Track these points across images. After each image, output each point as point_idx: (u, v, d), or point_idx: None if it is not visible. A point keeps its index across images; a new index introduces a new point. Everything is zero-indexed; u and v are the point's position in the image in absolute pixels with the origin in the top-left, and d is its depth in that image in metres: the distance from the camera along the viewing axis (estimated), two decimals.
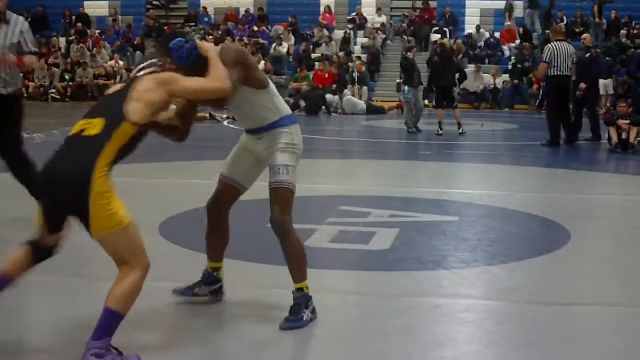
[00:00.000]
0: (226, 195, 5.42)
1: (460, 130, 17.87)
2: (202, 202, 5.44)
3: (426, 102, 20.92)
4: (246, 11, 33.00)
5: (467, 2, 32.58)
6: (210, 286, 5.55)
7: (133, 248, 4.29)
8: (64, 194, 4.17)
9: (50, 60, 30.33)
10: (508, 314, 5.54)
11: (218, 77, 4.61)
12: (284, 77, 27.51)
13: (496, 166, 13.48)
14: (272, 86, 5.22)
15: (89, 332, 4.23)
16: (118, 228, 4.21)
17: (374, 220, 8.30)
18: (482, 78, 27.26)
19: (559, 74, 15.84)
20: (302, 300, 5.14)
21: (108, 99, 4.54)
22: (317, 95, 24.66)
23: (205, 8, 33.50)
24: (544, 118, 16.93)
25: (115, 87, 4.65)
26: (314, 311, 5.16)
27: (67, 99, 28.49)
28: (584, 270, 6.80)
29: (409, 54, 19.67)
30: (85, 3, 34.17)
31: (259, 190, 5.53)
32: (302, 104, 23.79)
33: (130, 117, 4.29)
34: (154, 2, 34.35)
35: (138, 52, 31.05)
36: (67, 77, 29.35)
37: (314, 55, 29.50)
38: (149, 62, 4.67)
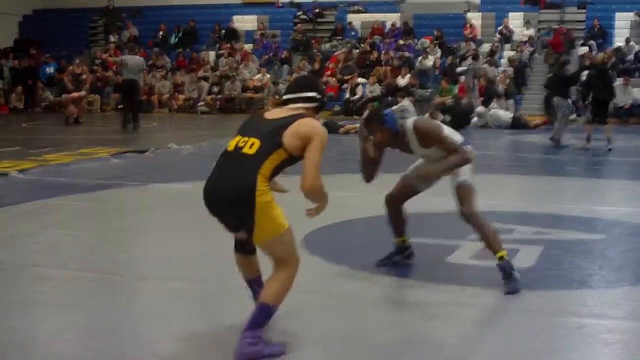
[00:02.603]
0: (405, 190, 6.97)
1: (609, 146, 17.52)
2: (343, 215, 5.53)
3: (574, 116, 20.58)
4: (392, 25, 33.06)
5: (616, 13, 31.91)
6: (404, 253, 7.11)
7: (288, 249, 4.82)
8: (232, 207, 4.70)
9: (200, 73, 31.04)
10: None
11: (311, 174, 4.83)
12: (429, 90, 27.49)
13: None
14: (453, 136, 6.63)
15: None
16: (277, 234, 4.73)
17: (517, 237, 8.23)
18: (630, 92, 26.62)
19: None
20: (507, 265, 6.35)
21: (267, 122, 4.90)
22: (463, 108, 24.53)
23: (351, 22, 33.73)
24: None
25: (277, 113, 5.00)
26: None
27: (215, 112, 29.12)
28: None
29: (567, 66, 19.41)
30: (234, 17, 34.83)
31: None
32: (447, 118, 23.67)
33: (286, 146, 4.75)
34: (302, 16, 34.76)
35: (285, 66, 31.48)
36: (215, 89, 29.98)
37: (459, 69, 29.35)
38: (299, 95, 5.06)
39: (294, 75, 29.09)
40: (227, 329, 5.30)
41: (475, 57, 29.39)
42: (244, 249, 5.15)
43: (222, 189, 4.73)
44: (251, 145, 4.75)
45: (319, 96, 5.08)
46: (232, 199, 4.67)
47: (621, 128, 23.43)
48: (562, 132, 18.50)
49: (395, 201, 6.96)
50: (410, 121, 6.60)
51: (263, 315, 4.75)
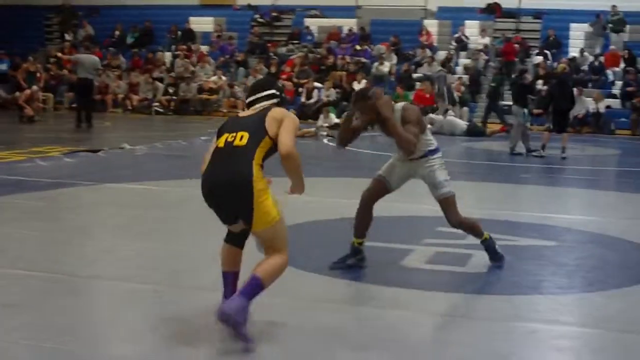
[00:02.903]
0: (378, 190, 7.23)
1: (563, 155, 17.65)
2: (302, 217, 5.53)
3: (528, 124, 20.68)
4: (349, 30, 33.11)
5: (571, 24, 32.20)
6: (357, 256, 7.16)
7: (282, 238, 5.22)
8: (233, 196, 5.05)
9: (155, 74, 30.86)
10: (604, 342, 5.47)
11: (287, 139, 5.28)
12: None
13: (597, 191, 13.31)
14: (427, 127, 7.11)
15: None
16: (274, 221, 5.12)
17: (471, 243, 8.24)
18: (584, 102, 26.87)
19: None
20: (490, 244, 7.32)
21: (245, 119, 5.40)
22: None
23: (308, 26, 33.72)
24: None
25: (245, 113, 5.52)
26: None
27: (170, 113, 28.94)
28: None
29: (526, 75, 19.56)
30: (191, 18, 34.69)
31: None
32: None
33: (270, 134, 5.20)
34: (259, 19, 34.70)
35: (241, 68, 31.39)
36: (170, 91, 29.82)
37: (415, 75, 29.46)
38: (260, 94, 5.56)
39: (250, 78, 29.07)
40: (179, 330, 5.27)
41: (430, 64, 29.57)
42: (235, 240, 5.41)
43: (223, 181, 5.08)
44: (241, 138, 5.18)
45: (278, 92, 5.59)
46: (232, 188, 5.03)
47: (575, 137, 23.65)
48: (518, 140, 18.60)
49: (369, 198, 7.24)
50: (400, 104, 7.14)
51: (253, 286, 5.00)
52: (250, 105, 5.56)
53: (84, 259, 7.47)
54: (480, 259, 7.52)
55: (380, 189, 7.25)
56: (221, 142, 5.27)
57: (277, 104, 5.50)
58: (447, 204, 7.10)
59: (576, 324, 5.90)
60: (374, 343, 5.20)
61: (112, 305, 6.06)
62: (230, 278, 5.44)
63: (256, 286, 5.01)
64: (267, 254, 5.20)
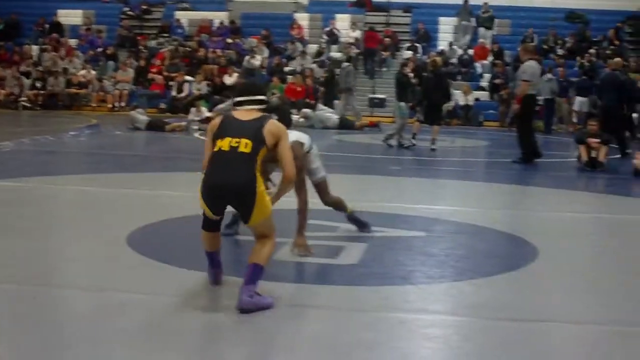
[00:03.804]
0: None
1: (433, 147, 17.88)
2: (170, 213, 5.46)
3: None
4: (220, 23, 32.96)
5: (440, 18, 32.71)
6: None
7: (271, 225, 5.92)
8: (239, 197, 5.73)
9: (22, 68, 30.12)
10: (474, 330, 5.54)
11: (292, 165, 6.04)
12: None
13: (466, 182, 13.52)
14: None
15: None
16: (268, 215, 5.82)
17: (342, 235, 8.30)
18: (453, 94, 27.30)
19: (534, 92, 16.03)
20: (356, 215, 8.41)
21: (244, 125, 5.88)
22: (288, 108, 24.57)
23: (178, 19, 33.43)
24: (515, 135, 16.93)
25: (244, 115, 5.98)
26: None
27: (38, 108, 28.26)
28: (551, 287, 6.82)
29: (405, 69, 19.73)
30: (59, 11, 33.99)
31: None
32: (274, 116, 23.61)
33: (267, 144, 5.84)
34: (128, 12, 34.24)
35: (111, 62, 30.90)
36: (38, 85, 29.13)
37: (286, 69, 29.51)
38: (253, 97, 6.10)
39: (120, 72, 28.67)
40: (46, 329, 5.14)
41: (303, 58, 29.65)
42: (215, 227, 6.05)
43: (231, 184, 5.69)
44: (245, 145, 5.74)
45: (266, 99, 6.21)
46: (240, 190, 5.69)
47: (444, 129, 24.00)
48: (399, 134, 18.78)
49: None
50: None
51: (257, 273, 5.72)
52: (239, 104, 6.10)
53: None
54: (351, 251, 7.56)
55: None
56: (225, 146, 5.78)
57: (263, 110, 6.09)
58: (323, 187, 8.00)
59: (446, 312, 5.96)
60: (246, 338, 5.17)
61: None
62: (214, 255, 6.18)
63: (259, 272, 5.75)
64: (258, 239, 5.88)
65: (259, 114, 5.99)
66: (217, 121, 6.05)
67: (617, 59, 20.77)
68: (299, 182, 7.32)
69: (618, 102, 17.95)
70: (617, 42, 30.33)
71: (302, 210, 7.45)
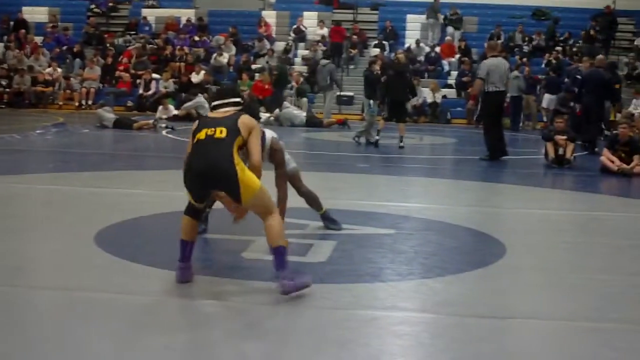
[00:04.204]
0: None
1: (401, 144, 17.91)
2: (139, 211, 5.43)
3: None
4: (187, 20, 32.87)
5: (408, 15, 32.79)
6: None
7: (269, 200, 6.17)
8: (221, 179, 5.99)
9: None
10: (444, 326, 5.55)
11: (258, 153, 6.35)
12: None
13: (434, 179, 13.55)
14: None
15: None
16: (257, 189, 6.03)
17: (311, 232, 8.30)
18: (421, 92, 27.40)
19: (495, 89, 16.00)
20: (329, 214, 8.53)
21: (220, 119, 6.29)
22: (257, 106, 24.54)
23: (145, 17, 33.31)
24: (482, 132, 17.00)
25: (219, 114, 6.39)
26: None
27: (3, 106, 28.02)
28: (519, 284, 6.85)
29: (373, 66, 19.71)
30: (24, 8, 33.73)
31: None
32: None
33: (243, 134, 6.18)
34: (95, 10, 34.07)
35: (77, 60, 30.70)
36: (3, 83, 28.88)
37: (254, 66, 29.47)
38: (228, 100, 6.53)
39: (87, 70, 28.49)
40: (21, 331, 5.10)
41: (270, 55, 29.64)
42: (197, 214, 6.30)
43: (211, 164, 5.98)
44: (221, 132, 6.10)
45: (241, 100, 6.62)
46: (221, 172, 5.95)
47: (413, 126, 24.09)
48: (367, 131, 18.80)
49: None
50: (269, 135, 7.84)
51: (282, 255, 5.98)
52: (215, 107, 6.49)
53: None
54: (320, 249, 7.56)
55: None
56: (202, 135, 6.13)
57: (240, 110, 6.47)
58: (296, 177, 8.33)
59: (415, 309, 5.97)
60: (215, 337, 5.15)
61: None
62: (189, 246, 6.26)
63: (282, 253, 6.00)
64: (263, 218, 6.10)
65: (233, 112, 6.42)
66: (196, 122, 6.39)
67: (600, 56, 20.93)
68: (280, 177, 7.85)
69: (599, 100, 18.07)
70: (593, 38, 30.51)
71: (282, 199, 7.78)
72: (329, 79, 24.93)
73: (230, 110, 6.45)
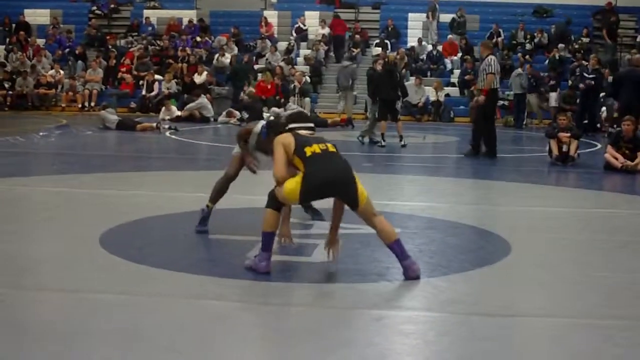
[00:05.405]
0: (239, 167, 8.21)
1: (402, 143, 17.91)
2: (143, 213, 5.42)
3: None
4: (189, 21, 32.87)
5: (409, 14, 32.78)
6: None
7: (372, 206, 6.76)
8: (347, 184, 6.60)
9: None
10: (449, 325, 5.56)
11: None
12: (226, 88, 27.36)
13: (437, 178, 13.54)
14: None
15: None
16: (366, 195, 6.67)
17: (316, 232, 8.28)
18: (423, 90, 27.40)
19: (496, 86, 16.22)
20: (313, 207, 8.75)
21: (314, 137, 6.89)
22: (260, 106, 24.53)
23: (147, 18, 33.32)
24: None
25: (304, 133, 6.93)
26: None
27: (6, 109, 28.03)
28: (524, 282, 6.86)
29: (377, 65, 19.65)
30: (26, 11, 33.74)
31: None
32: (245, 115, 23.55)
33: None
34: (96, 11, 34.08)
35: (80, 62, 30.72)
36: (6, 85, 28.88)
37: (256, 66, 29.46)
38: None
39: (89, 71, 28.46)
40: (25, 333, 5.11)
41: (273, 55, 29.62)
42: (280, 207, 6.65)
43: (342, 175, 6.61)
44: (333, 146, 6.75)
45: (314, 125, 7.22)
46: (347, 179, 6.60)
47: (415, 125, 24.11)
48: (371, 131, 18.79)
49: (234, 174, 8.22)
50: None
51: (401, 245, 6.71)
52: (292, 129, 6.93)
53: None
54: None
55: (241, 166, 8.17)
56: (317, 149, 6.63)
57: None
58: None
59: (421, 308, 5.98)
60: (221, 337, 5.16)
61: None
62: (273, 237, 6.70)
63: (401, 243, 6.66)
64: (372, 222, 6.73)
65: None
66: (291, 139, 6.70)
67: (638, 56, 20.94)
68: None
69: (637, 98, 17.98)
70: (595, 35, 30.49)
71: None
72: (350, 79, 24.92)
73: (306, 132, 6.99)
